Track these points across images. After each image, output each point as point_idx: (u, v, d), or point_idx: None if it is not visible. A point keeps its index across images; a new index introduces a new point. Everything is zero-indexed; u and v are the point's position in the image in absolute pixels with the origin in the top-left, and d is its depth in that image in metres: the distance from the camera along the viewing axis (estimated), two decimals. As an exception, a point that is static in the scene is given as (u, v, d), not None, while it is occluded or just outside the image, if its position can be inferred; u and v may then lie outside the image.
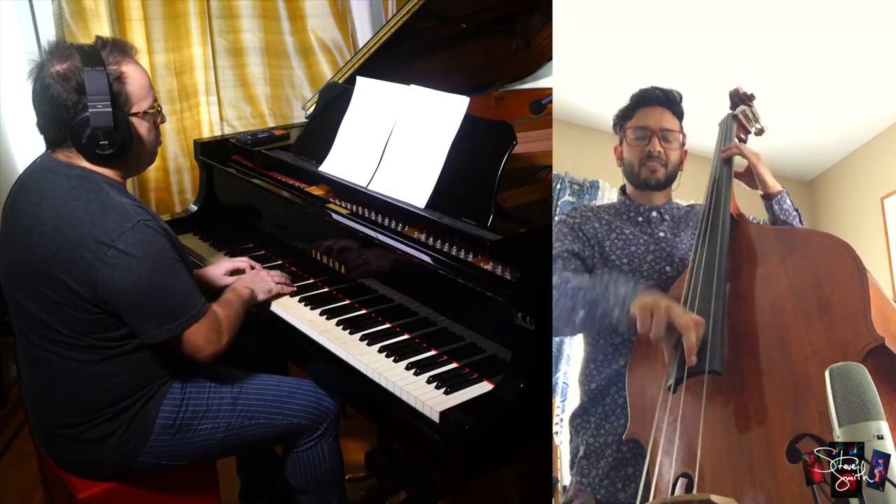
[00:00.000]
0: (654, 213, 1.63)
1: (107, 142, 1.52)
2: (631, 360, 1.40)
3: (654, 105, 1.63)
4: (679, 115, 1.64)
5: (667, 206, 1.65)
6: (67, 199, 1.50)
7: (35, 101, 1.54)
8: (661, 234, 1.60)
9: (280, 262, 2.15)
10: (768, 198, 1.57)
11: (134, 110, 1.58)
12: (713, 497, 1.00)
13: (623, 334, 1.51)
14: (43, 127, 1.56)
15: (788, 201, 1.57)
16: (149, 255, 1.48)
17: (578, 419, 1.56)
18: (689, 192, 1.78)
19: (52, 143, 1.57)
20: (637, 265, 1.55)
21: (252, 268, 2.03)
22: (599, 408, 1.53)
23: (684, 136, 1.63)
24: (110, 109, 1.51)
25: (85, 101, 1.49)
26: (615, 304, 1.31)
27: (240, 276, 1.98)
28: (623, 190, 1.70)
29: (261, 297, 1.87)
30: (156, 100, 1.64)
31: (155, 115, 1.64)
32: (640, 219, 1.63)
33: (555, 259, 1.48)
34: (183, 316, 1.53)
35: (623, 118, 1.66)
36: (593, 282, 1.37)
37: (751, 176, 1.58)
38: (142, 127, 1.61)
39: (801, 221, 1.59)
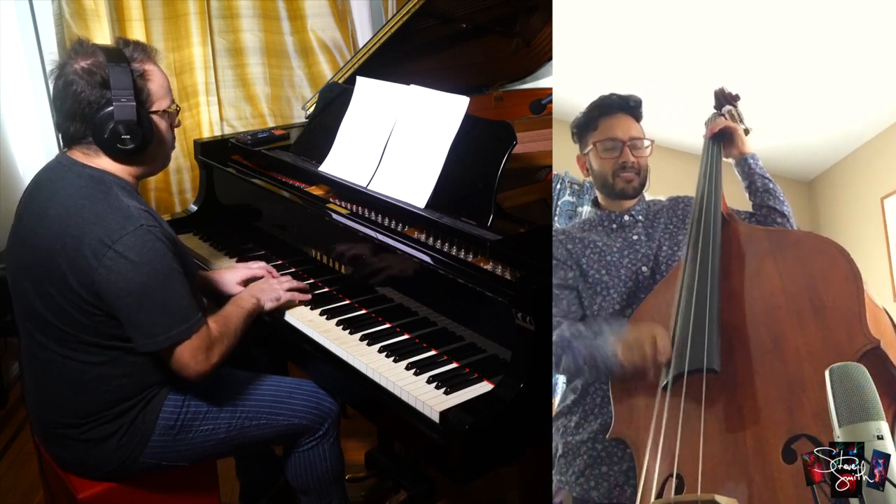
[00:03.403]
0: (627, 217, 1.63)
1: (128, 136, 1.53)
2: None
3: (615, 113, 1.62)
4: (639, 119, 1.64)
5: (638, 208, 1.64)
6: (76, 197, 1.51)
7: (56, 99, 1.54)
8: (635, 237, 1.60)
9: (280, 262, 2.15)
10: (742, 156, 1.61)
11: (154, 108, 1.60)
12: (717, 497, 1.00)
13: None
14: (62, 125, 1.56)
15: (759, 163, 1.61)
16: (146, 261, 1.46)
17: (562, 418, 1.56)
18: (672, 189, 1.78)
19: (71, 140, 1.57)
20: (615, 272, 1.55)
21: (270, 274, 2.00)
22: (580, 407, 1.54)
23: (651, 141, 1.62)
24: (134, 104, 1.52)
25: (108, 95, 1.50)
26: (607, 355, 1.33)
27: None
28: (594, 202, 1.70)
29: (268, 306, 1.80)
30: (174, 101, 1.66)
31: (173, 116, 1.66)
32: (614, 225, 1.62)
33: (553, 293, 1.49)
34: (173, 329, 1.50)
35: (585, 128, 1.65)
36: (582, 341, 1.38)
37: (726, 140, 1.61)
38: (161, 125, 1.62)
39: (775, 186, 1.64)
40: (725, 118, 1.66)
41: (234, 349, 1.64)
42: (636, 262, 1.56)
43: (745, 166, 1.61)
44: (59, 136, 1.61)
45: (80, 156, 1.57)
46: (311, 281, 2.03)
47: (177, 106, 1.66)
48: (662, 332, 1.26)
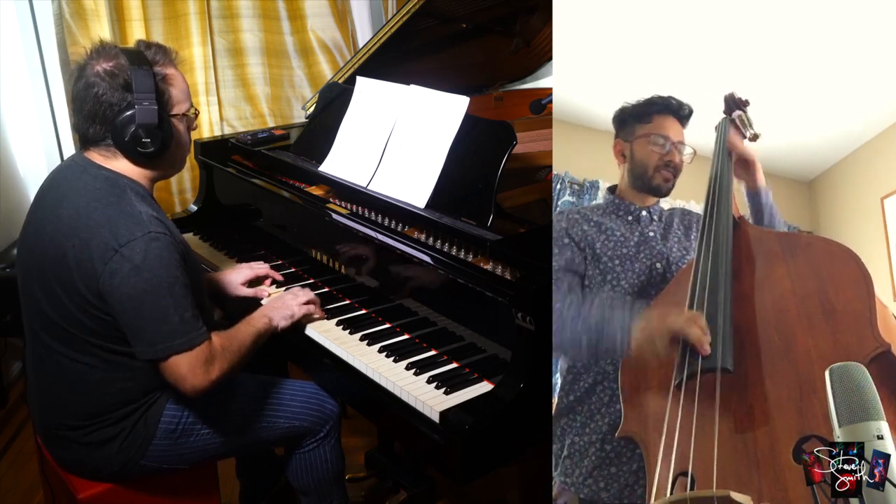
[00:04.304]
0: (644, 213, 1.64)
1: (149, 139, 1.53)
2: (623, 359, 1.40)
3: (669, 114, 1.64)
4: (685, 128, 1.66)
5: (655, 207, 1.66)
6: (89, 199, 1.51)
7: (76, 100, 1.54)
8: (651, 234, 1.61)
9: (280, 262, 2.15)
10: (756, 191, 1.59)
11: (174, 112, 1.59)
12: (732, 494, 1.00)
13: None
14: (80, 126, 1.55)
15: (770, 196, 1.60)
16: (150, 267, 1.45)
17: (564, 419, 1.56)
18: (682, 191, 1.77)
19: (89, 141, 1.57)
20: (629, 265, 1.56)
21: (273, 281, 2.00)
22: (585, 406, 1.54)
23: (693, 151, 1.64)
24: (156, 107, 1.52)
25: (130, 98, 1.51)
26: (615, 332, 1.32)
27: (258, 288, 1.96)
28: (611, 190, 1.70)
29: (281, 325, 1.74)
30: (192, 105, 1.66)
31: (191, 120, 1.66)
32: (630, 217, 1.63)
33: (553, 276, 1.48)
34: (173, 340, 1.47)
35: (637, 118, 1.65)
36: (592, 311, 1.37)
37: (742, 166, 1.58)
38: (179, 129, 1.62)
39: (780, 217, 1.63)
40: (736, 123, 1.65)
41: (238, 368, 1.61)
42: (651, 258, 1.57)
43: (757, 198, 1.59)
44: (77, 136, 1.60)
45: (98, 157, 1.57)
46: (311, 281, 2.04)
47: (195, 110, 1.67)
48: (701, 319, 1.22)
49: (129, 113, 1.51)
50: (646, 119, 1.64)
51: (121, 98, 1.50)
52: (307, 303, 1.81)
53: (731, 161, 1.57)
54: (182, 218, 2.45)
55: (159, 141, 1.54)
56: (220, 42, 3.14)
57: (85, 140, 1.58)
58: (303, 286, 1.99)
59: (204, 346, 1.51)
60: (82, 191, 1.53)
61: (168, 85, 1.57)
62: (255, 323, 1.70)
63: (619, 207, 1.65)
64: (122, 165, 1.57)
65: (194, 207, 2.48)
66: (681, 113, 1.64)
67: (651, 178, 1.63)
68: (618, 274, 1.54)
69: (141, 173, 1.59)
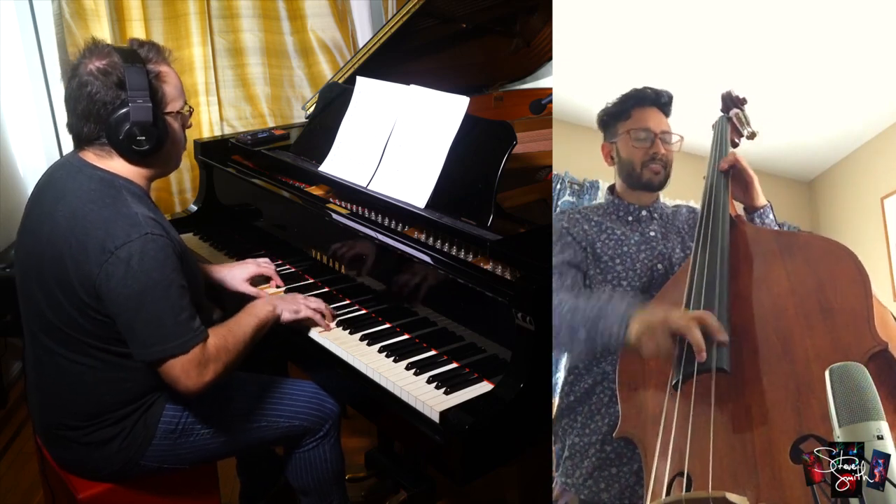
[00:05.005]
0: (644, 212, 1.63)
1: (144, 137, 1.52)
2: (621, 360, 1.40)
3: (648, 106, 1.62)
4: (668, 115, 1.63)
5: (656, 205, 1.65)
6: (85, 200, 1.50)
7: (70, 100, 1.53)
8: (652, 234, 1.60)
9: (280, 261, 2.15)
10: (752, 210, 1.55)
11: (168, 109, 1.59)
12: (728, 495, 1.00)
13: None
14: (75, 125, 1.55)
15: (771, 216, 1.55)
16: (147, 269, 1.45)
17: (565, 419, 1.56)
18: (681, 191, 1.76)
19: (85, 141, 1.56)
20: (630, 264, 1.55)
21: (278, 285, 2.00)
22: (585, 407, 1.53)
23: (680, 137, 1.62)
24: (150, 105, 1.52)
25: (124, 96, 1.50)
26: (613, 322, 1.30)
27: (260, 287, 1.96)
28: (611, 190, 1.70)
29: (285, 317, 1.73)
30: (186, 102, 1.65)
31: (186, 117, 1.66)
32: (630, 218, 1.63)
33: (554, 271, 1.48)
34: (167, 342, 1.46)
35: (616, 117, 1.64)
36: (590, 301, 1.36)
37: (739, 186, 1.54)
38: (174, 126, 1.62)
39: None
40: (733, 121, 1.63)
41: (236, 365, 1.60)
42: (652, 258, 1.56)
43: (756, 221, 1.53)
44: (72, 136, 1.60)
45: (93, 157, 1.56)
46: (311, 281, 2.04)
47: (190, 107, 1.66)
48: (708, 316, 1.20)
49: (123, 111, 1.50)
50: (625, 116, 1.63)
51: (114, 96, 1.50)
52: (317, 310, 1.79)
53: (728, 179, 1.52)
54: (182, 218, 2.45)
55: (154, 139, 1.54)
56: (220, 42, 3.15)
57: (79, 140, 1.57)
58: (303, 286, 2.00)
59: (198, 348, 1.50)
60: (78, 192, 1.52)
61: (161, 82, 1.57)
62: (257, 312, 1.69)
63: (619, 208, 1.64)
64: (117, 165, 1.57)
65: (194, 207, 2.48)
66: (660, 101, 1.62)
67: (640, 175, 1.61)
68: (618, 273, 1.54)
69: (137, 172, 1.59)
